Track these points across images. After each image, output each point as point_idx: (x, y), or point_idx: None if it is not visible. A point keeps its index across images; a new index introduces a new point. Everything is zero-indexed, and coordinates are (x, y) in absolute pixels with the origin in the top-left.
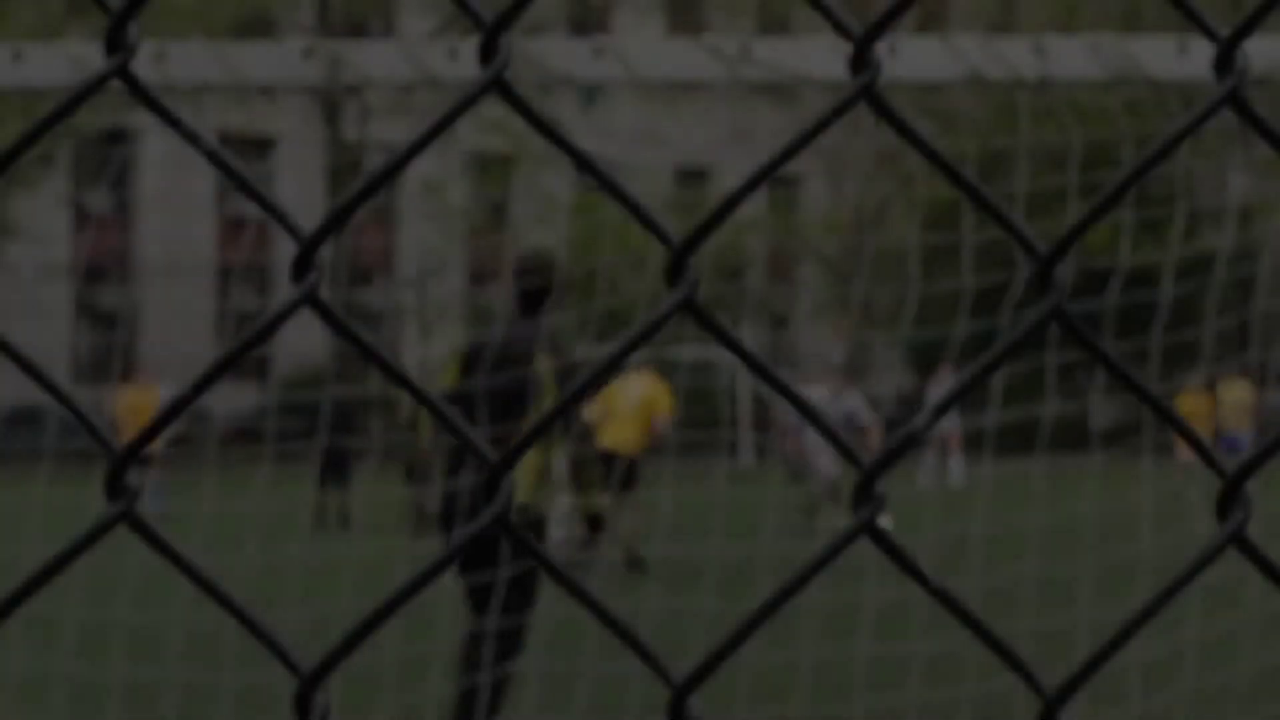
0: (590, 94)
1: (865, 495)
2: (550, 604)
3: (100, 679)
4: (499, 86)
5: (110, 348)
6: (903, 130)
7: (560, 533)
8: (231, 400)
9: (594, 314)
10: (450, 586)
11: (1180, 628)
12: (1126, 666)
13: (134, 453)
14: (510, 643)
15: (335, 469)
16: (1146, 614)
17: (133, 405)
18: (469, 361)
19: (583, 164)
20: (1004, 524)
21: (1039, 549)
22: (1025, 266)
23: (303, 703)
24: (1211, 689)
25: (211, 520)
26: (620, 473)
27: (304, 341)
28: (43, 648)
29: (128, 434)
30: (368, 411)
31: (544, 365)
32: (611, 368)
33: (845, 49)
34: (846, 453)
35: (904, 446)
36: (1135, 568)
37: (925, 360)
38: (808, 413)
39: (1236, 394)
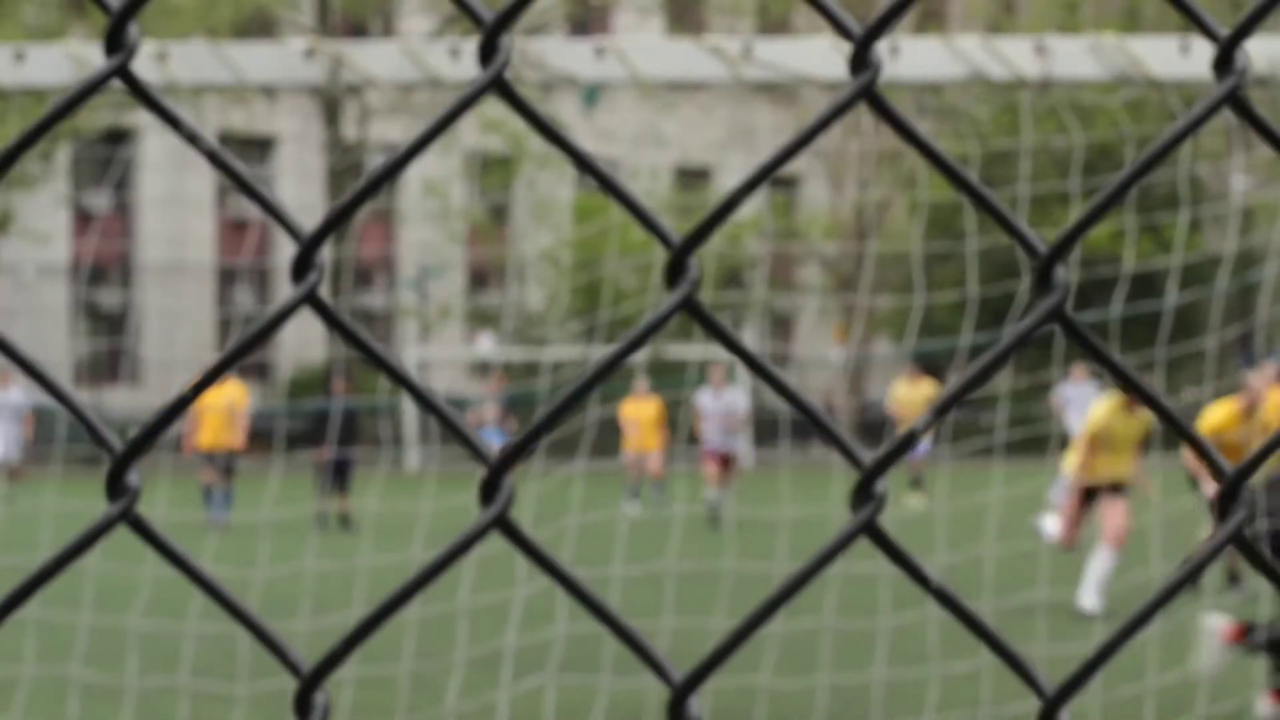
0: (591, 94)
1: (865, 495)
2: (568, 621)
3: (114, 685)
4: (499, 86)
5: (110, 348)
6: (903, 130)
7: None
8: None
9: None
10: (466, 600)
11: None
12: (1145, 642)
13: (135, 453)
14: None
15: (337, 473)
16: (1146, 614)
17: (201, 399)
18: None
19: (583, 164)
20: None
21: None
22: (1028, 268)
23: (303, 703)
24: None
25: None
26: None
27: (306, 343)
28: (57, 654)
29: (197, 430)
30: (371, 418)
31: None
32: (610, 368)
33: (845, 49)
34: (847, 453)
35: (904, 446)
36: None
37: (929, 363)
38: (809, 413)
39: (923, 391)
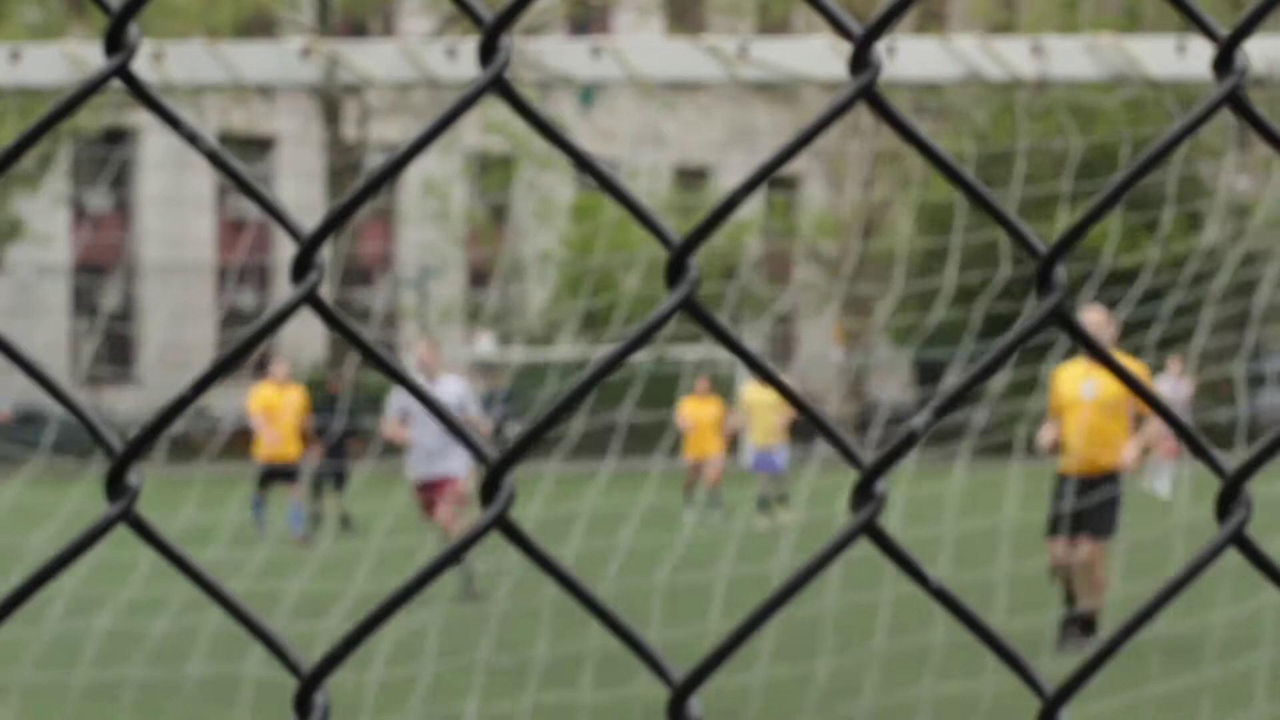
0: (588, 94)
1: (865, 495)
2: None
3: (117, 682)
4: (499, 86)
5: (110, 348)
6: (902, 130)
7: None
8: (234, 400)
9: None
10: (486, 607)
11: (1207, 609)
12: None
13: (134, 453)
14: None
15: (335, 472)
16: (1146, 615)
17: (267, 403)
18: None
19: (582, 164)
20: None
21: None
22: (1008, 265)
23: (303, 702)
24: (1235, 674)
25: (235, 521)
26: None
27: (305, 343)
28: (62, 656)
29: (262, 434)
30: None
31: None
32: (610, 367)
33: (845, 49)
34: (846, 451)
35: (903, 446)
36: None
37: (929, 364)
38: (809, 413)
39: (771, 397)
